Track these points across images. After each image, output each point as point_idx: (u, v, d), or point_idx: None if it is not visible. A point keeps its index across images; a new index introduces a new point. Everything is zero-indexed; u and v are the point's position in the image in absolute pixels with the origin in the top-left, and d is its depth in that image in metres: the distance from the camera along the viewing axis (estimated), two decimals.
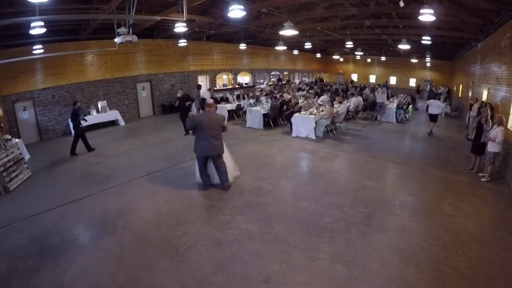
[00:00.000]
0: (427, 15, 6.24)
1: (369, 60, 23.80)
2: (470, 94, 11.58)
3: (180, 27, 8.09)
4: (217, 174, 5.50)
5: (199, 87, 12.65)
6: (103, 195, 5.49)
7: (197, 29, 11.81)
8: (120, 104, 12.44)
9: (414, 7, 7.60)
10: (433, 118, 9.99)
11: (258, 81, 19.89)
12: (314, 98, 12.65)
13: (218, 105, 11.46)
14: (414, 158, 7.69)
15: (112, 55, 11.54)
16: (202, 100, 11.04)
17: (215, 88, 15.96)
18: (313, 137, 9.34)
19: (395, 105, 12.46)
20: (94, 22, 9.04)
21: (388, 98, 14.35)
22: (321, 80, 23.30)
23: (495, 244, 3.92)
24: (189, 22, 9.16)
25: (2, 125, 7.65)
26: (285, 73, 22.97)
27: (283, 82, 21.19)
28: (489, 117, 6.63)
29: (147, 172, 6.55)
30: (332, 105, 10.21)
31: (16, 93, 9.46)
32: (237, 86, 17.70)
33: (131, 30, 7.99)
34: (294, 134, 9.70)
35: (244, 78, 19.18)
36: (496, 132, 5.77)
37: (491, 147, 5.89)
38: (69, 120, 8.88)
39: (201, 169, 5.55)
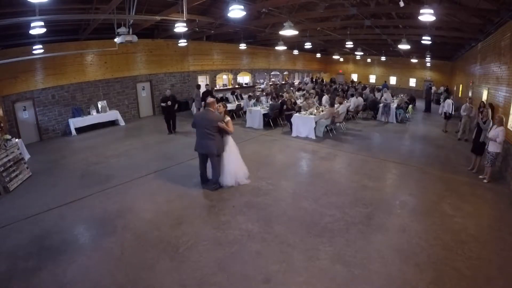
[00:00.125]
0: (427, 15, 6.24)
1: (369, 60, 23.79)
2: (470, 94, 11.58)
3: (180, 27, 8.08)
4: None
5: (199, 86, 12.66)
6: (103, 195, 5.49)
7: (197, 29, 11.81)
8: (120, 104, 12.44)
9: (414, 7, 7.60)
10: (448, 116, 10.85)
11: (258, 81, 19.89)
12: (314, 98, 12.65)
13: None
14: (414, 158, 7.69)
15: (112, 55, 11.53)
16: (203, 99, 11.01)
17: (216, 88, 15.98)
18: (313, 137, 9.34)
19: (395, 105, 12.46)
20: (94, 22, 9.03)
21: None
22: (322, 80, 23.29)
23: (495, 244, 3.93)
24: (189, 22, 9.16)
25: (2, 125, 7.65)
26: (285, 73, 22.97)
27: (283, 83, 21.23)
28: (490, 117, 6.62)
29: (147, 172, 6.55)
30: (332, 105, 10.21)
31: (16, 93, 9.45)
32: (237, 86, 17.71)
33: (131, 30, 7.98)
34: (294, 134, 9.70)
35: (244, 78, 19.18)
36: (496, 132, 5.73)
37: (492, 147, 5.86)
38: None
39: (199, 164, 5.66)
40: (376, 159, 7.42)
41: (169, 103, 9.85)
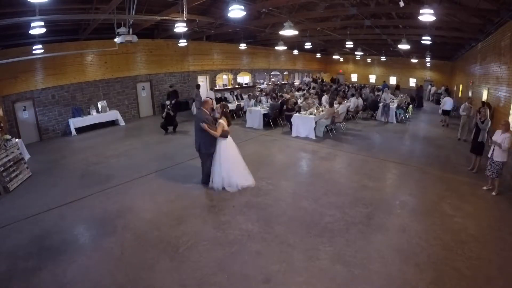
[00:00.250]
0: (427, 15, 6.24)
1: (369, 60, 23.79)
2: (470, 94, 11.58)
3: (180, 27, 8.08)
4: None
5: (198, 86, 12.67)
6: (103, 195, 5.49)
7: (197, 29, 11.80)
8: (120, 104, 12.43)
9: (414, 7, 7.60)
10: (446, 112, 11.51)
11: (258, 81, 19.90)
12: (314, 98, 12.65)
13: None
14: (414, 158, 7.69)
15: (112, 55, 11.53)
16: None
17: (216, 88, 15.98)
18: (313, 137, 9.34)
19: (395, 105, 12.46)
20: (94, 22, 9.03)
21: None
22: (322, 80, 23.29)
23: (495, 244, 3.93)
24: (189, 22, 9.16)
25: (2, 125, 7.65)
26: (285, 73, 22.97)
27: (283, 83, 21.23)
28: (488, 116, 6.58)
29: (147, 172, 6.54)
30: (332, 105, 10.21)
31: (16, 93, 9.45)
32: (237, 86, 17.71)
33: (131, 30, 7.97)
34: (294, 134, 9.69)
35: (244, 78, 19.18)
36: (503, 138, 5.23)
37: (498, 156, 5.32)
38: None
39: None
40: (376, 159, 7.42)
41: (171, 112, 9.90)
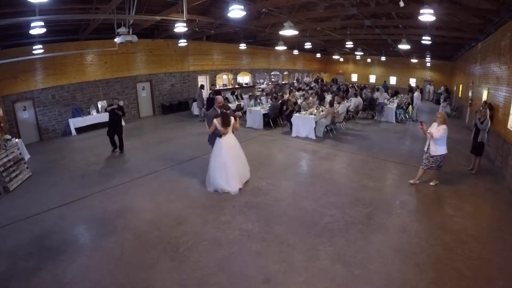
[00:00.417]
0: (427, 15, 6.24)
1: (369, 60, 23.79)
2: (470, 94, 11.58)
3: (180, 27, 8.08)
4: None
5: (202, 87, 12.69)
6: (103, 195, 5.49)
7: (197, 29, 11.81)
8: (122, 105, 12.42)
9: (414, 7, 7.60)
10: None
11: (258, 81, 19.90)
12: (314, 98, 12.65)
13: None
14: (414, 158, 7.66)
15: (112, 55, 11.53)
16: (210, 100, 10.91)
17: (216, 88, 15.97)
18: (313, 137, 9.34)
19: (395, 105, 12.46)
20: (94, 22, 9.03)
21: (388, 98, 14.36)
22: (322, 80, 23.28)
23: (495, 244, 3.92)
24: (189, 22, 9.16)
25: (2, 125, 7.65)
26: (285, 73, 22.97)
27: (283, 83, 21.21)
28: (488, 116, 6.58)
29: (147, 172, 6.54)
30: (332, 105, 10.21)
31: (16, 93, 9.45)
32: (237, 86, 17.71)
33: (131, 30, 7.98)
34: (294, 134, 9.69)
35: (244, 78, 19.18)
36: (437, 130, 5.37)
37: (434, 151, 5.46)
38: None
39: None
40: (376, 159, 7.42)
41: (120, 112, 7.81)
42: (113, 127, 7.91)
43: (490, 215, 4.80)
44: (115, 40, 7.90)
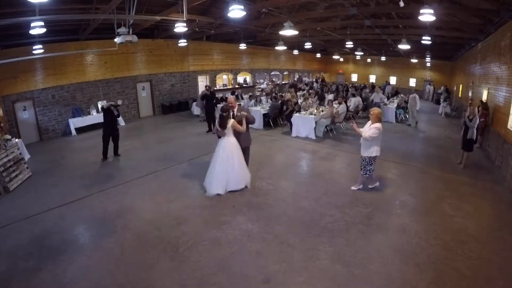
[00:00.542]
0: (427, 15, 6.24)
1: (369, 60, 23.78)
2: (470, 94, 11.57)
3: (180, 27, 8.08)
4: None
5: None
6: (103, 195, 5.49)
7: (197, 29, 11.80)
8: (120, 104, 12.42)
9: (414, 7, 7.60)
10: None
11: (258, 81, 19.89)
12: (314, 98, 12.64)
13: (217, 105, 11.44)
14: (414, 158, 7.69)
15: (112, 55, 11.53)
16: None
17: (215, 88, 15.98)
18: (313, 137, 9.34)
19: (395, 105, 12.45)
20: (94, 22, 9.04)
21: (388, 98, 14.37)
22: (322, 80, 23.26)
23: (495, 244, 3.92)
24: (189, 22, 9.16)
25: (2, 125, 7.65)
26: (285, 73, 22.96)
27: (283, 83, 21.19)
28: (477, 114, 6.72)
29: (147, 172, 6.54)
30: (332, 105, 10.21)
31: (16, 93, 9.45)
32: (237, 86, 17.71)
33: (131, 30, 7.97)
34: (294, 134, 9.69)
35: (244, 78, 19.18)
36: (369, 129, 5.02)
37: (364, 152, 5.12)
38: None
39: None
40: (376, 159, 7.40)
41: (115, 111, 7.34)
42: (110, 127, 7.34)
43: (490, 215, 4.80)
44: (115, 40, 7.90)
